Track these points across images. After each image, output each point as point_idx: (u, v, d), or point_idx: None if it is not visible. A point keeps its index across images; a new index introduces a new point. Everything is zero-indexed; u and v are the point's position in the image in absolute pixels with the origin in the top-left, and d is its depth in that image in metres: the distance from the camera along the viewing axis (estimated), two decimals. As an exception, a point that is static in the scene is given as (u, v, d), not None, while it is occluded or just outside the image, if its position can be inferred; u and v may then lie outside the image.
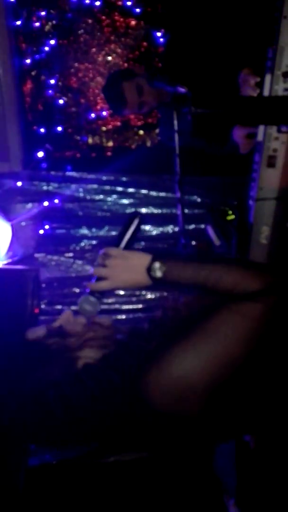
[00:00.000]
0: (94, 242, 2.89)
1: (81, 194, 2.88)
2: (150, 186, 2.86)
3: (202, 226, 2.51)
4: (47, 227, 2.85)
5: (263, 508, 1.46)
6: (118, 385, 0.97)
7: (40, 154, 2.79)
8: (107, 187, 2.87)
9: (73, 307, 2.64)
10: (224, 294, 0.97)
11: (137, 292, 2.87)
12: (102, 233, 2.90)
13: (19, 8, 2.74)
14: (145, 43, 2.82)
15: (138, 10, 2.76)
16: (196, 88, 1.74)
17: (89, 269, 2.85)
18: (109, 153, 2.97)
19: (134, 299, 2.88)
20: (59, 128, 2.88)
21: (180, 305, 1.13)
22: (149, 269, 1.04)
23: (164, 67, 2.60)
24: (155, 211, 2.89)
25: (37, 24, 2.77)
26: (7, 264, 2.65)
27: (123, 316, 2.85)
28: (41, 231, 2.84)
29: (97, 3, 2.75)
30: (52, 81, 2.85)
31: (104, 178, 2.86)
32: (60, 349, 1.04)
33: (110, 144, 2.97)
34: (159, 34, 2.78)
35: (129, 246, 1.13)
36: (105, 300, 2.77)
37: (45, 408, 0.97)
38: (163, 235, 2.89)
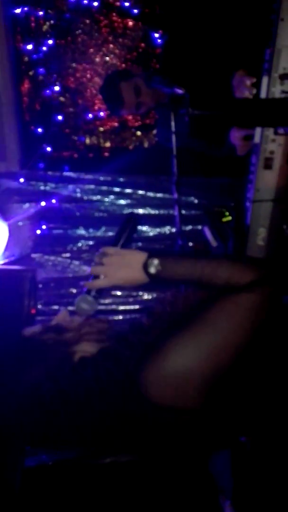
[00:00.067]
0: (91, 242, 2.89)
1: (79, 195, 2.88)
2: (147, 187, 2.86)
3: (199, 227, 2.52)
4: (44, 227, 2.84)
5: (259, 509, 1.47)
6: (115, 376, 0.97)
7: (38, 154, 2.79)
8: (105, 188, 2.87)
9: (70, 308, 2.63)
10: (219, 288, 0.99)
11: (134, 293, 2.87)
12: (99, 233, 2.90)
13: (17, 8, 2.73)
14: (143, 44, 2.82)
15: (136, 11, 2.76)
16: (194, 90, 1.74)
17: (86, 269, 2.85)
18: (106, 154, 2.97)
19: (131, 299, 2.88)
20: (57, 129, 2.88)
21: (178, 299, 1.14)
22: (145, 266, 1.05)
23: (161, 68, 2.60)
24: (152, 212, 2.89)
25: (34, 24, 2.77)
26: (4, 264, 2.64)
27: (120, 317, 2.85)
28: (38, 231, 2.84)
29: (95, 4, 2.75)
30: (50, 81, 2.84)
31: (102, 178, 2.86)
32: (56, 344, 1.04)
33: (108, 144, 2.97)
34: (157, 35, 2.78)
35: (125, 246, 1.14)
36: (102, 301, 2.77)
37: (41, 404, 0.96)
38: (160, 236, 2.89)
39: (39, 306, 2.78)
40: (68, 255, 2.88)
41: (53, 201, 2.83)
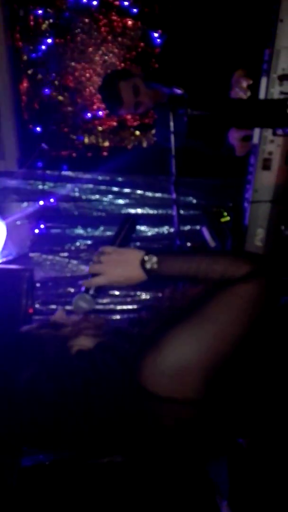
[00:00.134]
0: (89, 242, 2.89)
1: (77, 194, 2.87)
2: (145, 187, 2.86)
3: (197, 227, 2.52)
4: (42, 226, 2.84)
5: (256, 509, 1.47)
6: (113, 367, 0.97)
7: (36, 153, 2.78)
8: (103, 187, 2.87)
9: (68, 307, 2.63)
10: (215, 282, 1.00)
11: (132, 293, 2.87)
12: (97, 233, 2.90)
13: (16, 6, 2.73)
14: (142, 44, 2.82)
15: (135, 10, 2.76)
16: (193, 90, 1.74)
17: (84, 269, 2.85)
18: (105, 153, 2.96)
19: (129, 299, 2.89)
20: (55, 128, 2.88)
21: (176, 294, 1.14)
22: (143, 263, 1.06)
23: (160, 68, 2.60)
24: (151, 211, 2.89)
25: (33, 22, 2.77)
26: (2, 263, 2.64)
27: (118, 317, 2.85)
28: (36, 231, 2.84)
29: (94, 3, 2.75)
30: (49, 80, 2.84)
31: (100, 178, 2.86)
32: (53, 339, 1.04)
33: (106, 144, 2.97)
34: (156, 34, 2.78)
35: (124, 246, 1.15)
36: (100, 301, 2.77)
37: (38, 397, 0.96)
38: (158, 235, 2.89)
39: (37, 306, 2.78)
40: (66, 254, 2.88)
41: (51, 200, 2.83)
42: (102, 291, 1.14)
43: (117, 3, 2.77)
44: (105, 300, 2.86)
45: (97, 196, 2.88)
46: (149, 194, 2.87)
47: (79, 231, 2.90)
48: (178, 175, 1.83)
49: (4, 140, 2.84)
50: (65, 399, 0.96)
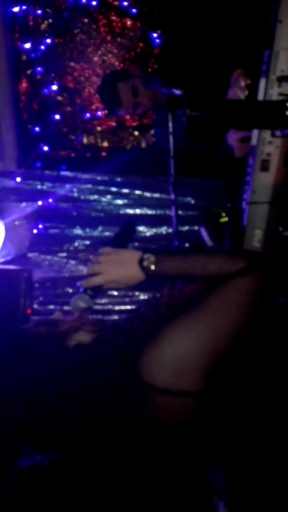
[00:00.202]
0: (87, 242, 2.89)
1: (75, 194, 2.87)
2: (144, 187, 2.86)
3: (196, 227, 2.52)
4: (40, 226, 2.84)
5: (253, 510, 1.47)
6: (111, 359, 0.97)
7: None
8: (101, 187, 2.87)
9: (66, 307, 2.63)
10: (213, 279, 1.02)
11: (130, 293, 2.87)
12: (95, 233, 2.90)
13: (15, 6, 2.72)
14: (141, 44, 2.82)
15: (134, 10, 2.76)
16: (192, 90, 1.74)
17: (83, 269, 2.85)
18: (103, 153, 2.96)
19: (127, 299, 2.89)
20: (54, 128, 2.88)
21: (175, 291, 1.15)
22: (141, 262, 1.08)
23: (160, 68, 2.60)
24: (149, 212, 2.89)
25: (33, 22, 2.77)
26: (0, 263, 2.64)
27: (116, 317, 2.85)
28: (35, 231, 2.84)
29: (94, 3, 2.75)
30: (48, 80, 2.84)
31: (99, 178, 2.86)
32: (51, 336, 1.04)
33: (105, 144, 2.96)
34: (155, 35, 2.78)
35: (122, 248, 1.16)
36: (98, 301, 2.77)
37: (35, 390, 0.96)
38: (156, 236, 2.90)
39: (35, 306, 2.78)
40: (64, 254, 2.88)
41: (50, 200, 2.83)
42: (100, 291, 1.15)
43: (116, 3, 2.77)
44: (103, 300, 2.86)
45: (95, 196, 2.88)
46: (148, 194, 2.87)
47: (78, 231, 2.90)
48: (177, 175, 1.83)
49: (3, 140, 2.84)
50: (62, 391, 0.96)
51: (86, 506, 1.97)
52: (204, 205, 2.73)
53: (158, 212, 2.88)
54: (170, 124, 1.80)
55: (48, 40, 2.79)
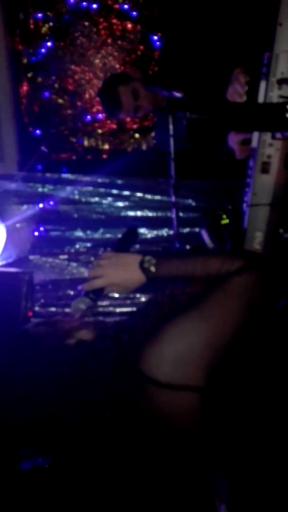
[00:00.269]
0: (88, 244, 2.89)
1: (76, 197, 2.88)
2: (145, 189, 2.87)
3: (197, 229, 2.51)
4: (41, 229, 2.85)
5: (255, 513, 1.46)
6: (113, 354, 0.98)
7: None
8: (102, 190, 2.87)
9: (67, 310, 2.63)
10: (212, 279, 1.03)
11: (131, 295, 2.87)
12: (96, 235, 2.90)
13: (16, 10, 2.74)
14: (141, 47, 2.83)
15: (135, 13, 2.77)
16: (192, 93, 1.74)
17: (84, 271, 2.85)
18: (104, 156, 2.97)
19: (128, 301, 2.89)
20: (55, 130, 2.88)
21: (177, 291, 1.16)
22: (142, 265, 1.08)
23: (160, 71, 2.61)
24: (150, 214, 2.89)
25: (33, 26, 2.78)
26: (1, 266, 2.64)
27: (117, 319, 2.85)
28: (36, 233, 2.84)
29: (94, 6, 2.76)
30: (49, 83, 2.85)
31: (100, 180, 2.86)
32: (51, 335, 1.04)
33: (106, 146, 2.97)
34: (155, 38, 2.79)
35: (123, 252, 1.16)
36: (100, 303, 2.77)
37: (37, 383, 0.95)
38: (157, 238, 2.90)
39: (36, 308, 2.78)
40: (65, 257, 2.88)
41: (51, 203, 2.83)
42: (101, 294, 1.15)
43: (116, 6, 2.78)
44: (104, 303, 2.86)
45: (96, 199, 2.88)
46: (149, 196, 2.87)
47: (79, 233, 2.90)
48: (178, 177, 1.83)
49: (4, 143, 2.84)
50: (64, 386, 0.96)
51: (88, 508, 1.97)
52: (205, 207, 2.73)
53: (159, 214, 2.88)
54: (171, 127, 1.80)
55: (49, 43, 2.80)
